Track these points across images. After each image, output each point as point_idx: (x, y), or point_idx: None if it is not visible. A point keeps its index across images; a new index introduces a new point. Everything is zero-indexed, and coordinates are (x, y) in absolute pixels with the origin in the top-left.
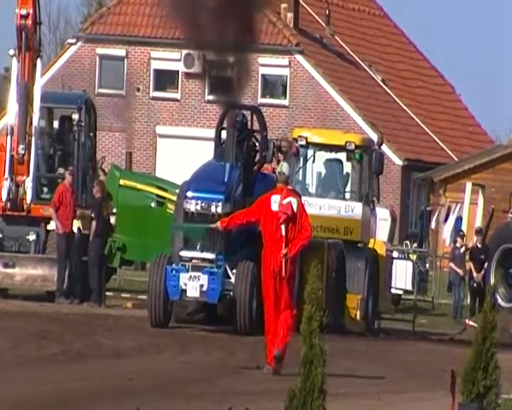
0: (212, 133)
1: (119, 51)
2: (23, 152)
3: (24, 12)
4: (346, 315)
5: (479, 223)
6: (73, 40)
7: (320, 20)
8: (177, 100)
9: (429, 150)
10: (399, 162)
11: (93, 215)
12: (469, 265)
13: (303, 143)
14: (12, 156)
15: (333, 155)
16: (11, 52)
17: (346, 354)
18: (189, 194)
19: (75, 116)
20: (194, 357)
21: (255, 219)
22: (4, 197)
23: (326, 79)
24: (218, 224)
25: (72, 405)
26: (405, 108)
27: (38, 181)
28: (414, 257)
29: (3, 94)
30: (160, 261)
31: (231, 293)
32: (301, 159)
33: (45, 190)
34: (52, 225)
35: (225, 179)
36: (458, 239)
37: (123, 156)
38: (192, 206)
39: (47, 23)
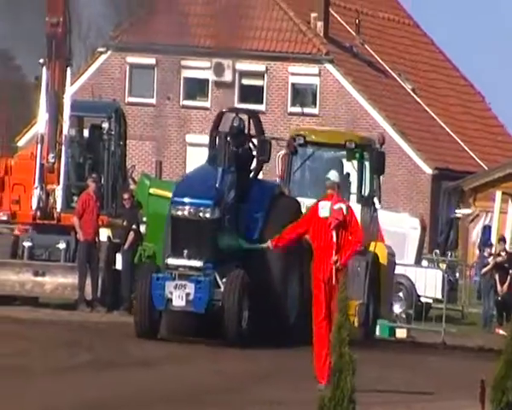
0: None
1: (149, 60)
2: (53, 161)
3: (54, 20)
4: None
5: (508, 232)
6: (103, 49)
7: (350, 29)
8: (207, 108)
9: (459, 159)
10: (429, 171)
11: (133, 226)
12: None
13: (301, 142)
14: (42, 165)
15: (332, 155)
16: (41, 61)
17: (374, 363)
18: (177, 199)
19: (105, 125)
20: (224, 366)
21: (304, 230)
22: (35, 206)
23: (356, 87)
24: (269, 243)
25: None
26: (435, 117)
27: (68, 190)
28: (443, 266)
29: (34, 103)
30: (147, 269)
31: (220, 303)
32: (299, 159)
33: (75, 198)
34: None
35: (216, 184)
36: (487, 248)
37: (153, 165)
38: (179, 211)
39: (76, 31)
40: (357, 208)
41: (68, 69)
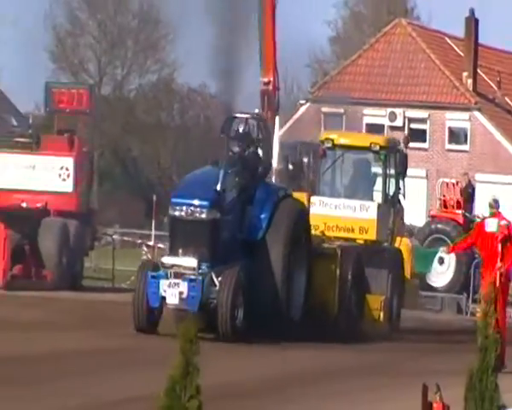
0: (410, 172)
1: (338, 110)
2: None
3: (266, 80)
4: (368, 317)
5: None
6: (303, 101)
7: (493, 85)
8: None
9: None
10: None
11: None
12: None
13: (329, 145)
14: None
15: (358, 157)
16: (256, 111)
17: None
18: (175, 200)
19: (305, 159)
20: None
21: (473, 241)
22: None
23: (498, 130)
24: (446, 248)
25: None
26: None
27: None
28: None
29: None
30: (145, 268)
31: (215, 301)
32: (328, 161)
33: None
34: None
35: (215, 186)
36: None
37: None
38: (177, 212)
39: (283, 88)
40: (372, 207)
41: (277, 118)
